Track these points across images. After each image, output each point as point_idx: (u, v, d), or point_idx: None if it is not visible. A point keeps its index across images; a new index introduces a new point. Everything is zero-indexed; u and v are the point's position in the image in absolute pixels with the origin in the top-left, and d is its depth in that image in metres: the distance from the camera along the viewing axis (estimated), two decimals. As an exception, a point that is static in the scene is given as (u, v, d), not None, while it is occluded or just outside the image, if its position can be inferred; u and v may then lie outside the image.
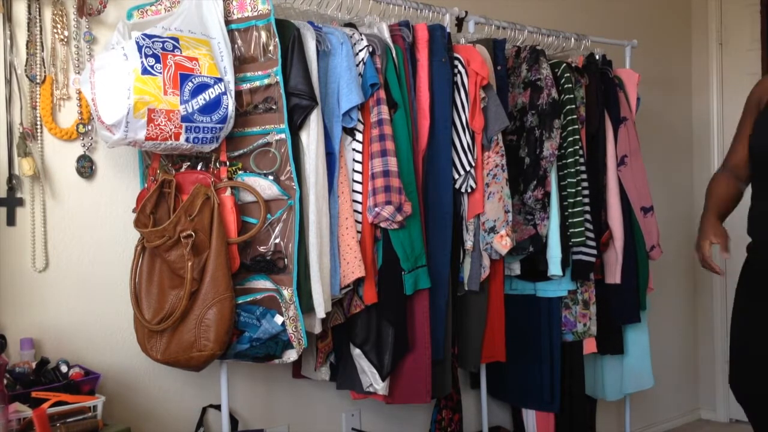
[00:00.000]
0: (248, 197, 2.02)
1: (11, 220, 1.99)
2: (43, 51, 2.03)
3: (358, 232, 2.18)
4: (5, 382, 1.76)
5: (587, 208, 2.70)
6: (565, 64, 2.70)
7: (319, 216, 2.03)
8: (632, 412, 3.36)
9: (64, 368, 1.90)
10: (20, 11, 2.01)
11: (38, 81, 2.02)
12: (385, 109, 2.19)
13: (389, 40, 2.28)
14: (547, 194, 2.58)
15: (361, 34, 2.21)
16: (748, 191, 2.41)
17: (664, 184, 3.82)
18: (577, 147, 2.66)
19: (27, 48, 2.01)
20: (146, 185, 2.07)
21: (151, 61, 1.80)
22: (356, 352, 2.27)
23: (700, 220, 2.42)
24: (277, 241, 2.02)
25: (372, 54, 2.19)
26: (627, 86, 3.00)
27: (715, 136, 4.04)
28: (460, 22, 2.64)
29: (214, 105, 1.87)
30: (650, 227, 2.98)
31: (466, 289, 2.48)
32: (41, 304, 2.04)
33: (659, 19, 3.92)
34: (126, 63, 1.78)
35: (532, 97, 2.62)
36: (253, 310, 2.02)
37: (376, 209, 2.16)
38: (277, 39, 1.99)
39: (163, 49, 1.83)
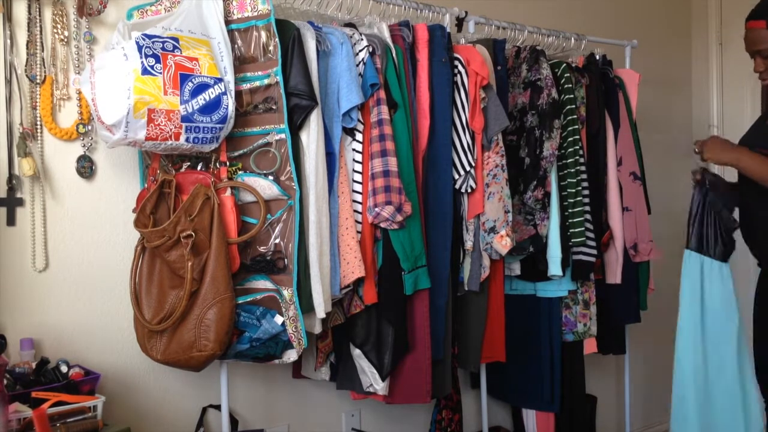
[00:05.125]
0: (248, 197, 2.02)
1: (11, 220, 1.99)
2: (43, 51, 2.03)
3: (358, 232, 2.18)
4: (5, 382, 1.76)
5: (587, 208, 2.70)
6: (565, 64, 2.70)
7: (319, 216, 2.03)
8: (632, 412, 3.36)
9: (64, 368, 1.90)
10: (20, 11, 2.01)
11: (38, 81, 2.02)
12: (385, 109, 2.19)
13: (389, 40, 2.28)
14: (547, 194, 2.58)
15: (361, 34, 2.21)
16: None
17: (663, 184, 3.82)
18: (578, 147, 2.66)
19: (27, 48, 2.01)
20: (146, 185, 2.07)
21: (151, 61, 1.80)
22: (356, 352, 2.27)
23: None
24: (277, 241, 2.02)
25: (372, 54, 2.19)
26: (628, 86, 3.00)
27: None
28: (460, 22, 2.64)
29: (214, 105, 1.87)
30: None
31: (466, 289, 2.48)
32: (41, 304, 2.04)
33: (659, 19, 3.92)
34: (126, 63, 1.78)
35: (532, 97, 2.61)
36: (253, 310, 2.02)
37: (376, 209, 2.16)
38: (277, 39, 1.99)
39: (163, 49, 1.83)
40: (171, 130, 1.82)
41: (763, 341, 2.37)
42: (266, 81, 2.01)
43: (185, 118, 1.83)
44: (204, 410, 2.31)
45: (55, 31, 2.05)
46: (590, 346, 2.86)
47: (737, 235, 2.39)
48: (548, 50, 2.81)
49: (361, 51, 2.18)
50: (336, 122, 2.13)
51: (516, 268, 2.69)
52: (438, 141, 2.37)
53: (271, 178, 2.01)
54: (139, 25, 1.97)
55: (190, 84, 1.84)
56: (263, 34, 2.02)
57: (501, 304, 2.59)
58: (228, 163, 2.02)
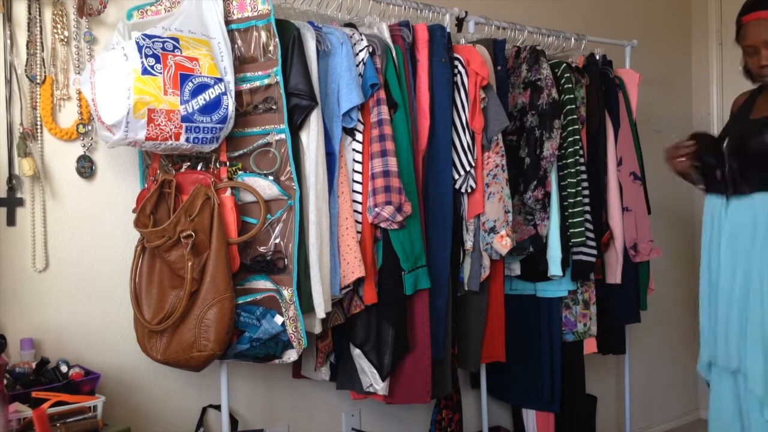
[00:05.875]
0: (248, 197, 2.02)
1: (11, 220, 1.99)
2: (43, 51, 2.03)
3: (358, 232, 2.18)
4: (5, 382, 1.76)
5: (587, 208, 2.70)
6: (565, 64, 2.70)
7: (319, 216, 2.03)
8: (632, 412, 3.36)
9: (64, 368, 1.90)
10: (20, 11, 2.01)
11: (38, 81, 2.02)
12: (385, 109, 2.19)
13: (389, 40, 2.28)
14: (547, 194, 2.58)
15: (361, 34, 2.21)
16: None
17: (664, 184, 3.82)
18: (578, 147, 2.66)
19: (27, 48, 2.01)
20: (146, 185, 2.07)
21: (152, 61, 1.80)
22: (356, 352, 2.27)
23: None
24: (277, 241, 2.02)
25: (372, 54, 2.19)
26: (628, 86, 3.00)
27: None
28: (460, 22, 2.64)
29: (214, 105, 1.87)
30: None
31: (466, 289, 2.48)
32: (41, 304, 2.04)
33: (659, 19, 3.92)
34: (126, 63, 1.78)
35: (532, 97, 2.61)
36: (253, 310, 2.02)
37: (376, 209, 2.16)
38: (277, 39, 1.99)
39: (163, 49, 1.83)
40: (171, 130, 1.82)
41: None
42: (266, 81, 2.01)
43: (185, 118, 1.83)
44: (204, 410, 2.31)
45: (55, 31, 2.05)
46: (590, 346, 2.86)
47: None
48: (548, 50, 2.81)
49: (361, 51, 2.18)
50: (336, 122, 2.13)
51: (516, 268, 2.69)
52: (438, 141, 2.37)
53: (271, 178, 2.01)
54: (139, 25, 1.97)
55: (190, 84, 1.84)
56: (263, 34, 2.02)
57: (501, 304, 2.59)
58: (228, 163, 2.02)
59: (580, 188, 2.67)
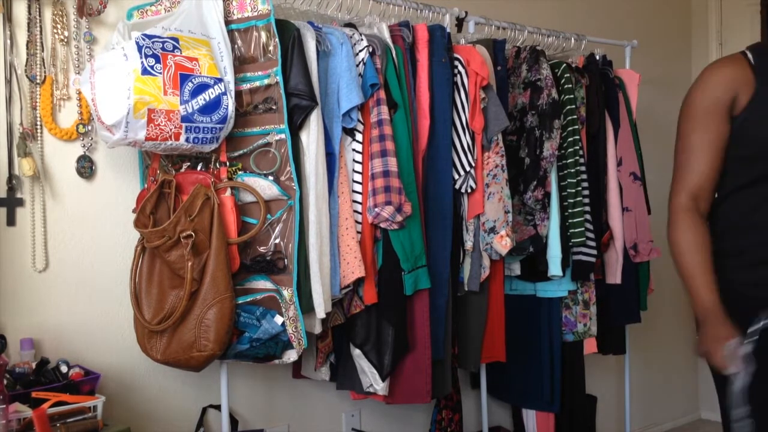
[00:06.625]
0: (248, 197, 2.02)
1: (11, 220, 2.00)
2: (43, 51, 2.03)
3: (358, 232, 2.18)
4: (5, 382, 1.76)
5: (587, 208, 2.70)
6: (565, 65, 2.70)
7: (319, 216, 2.03)
8: (632, 412, 3.36)
9: (64, 368, 1.90)
10: (20, 11, 2.01)
11: (38, 81, 2.02)
12: (385, 109, 2.19)
13: (389, 41, 2.28)
14: (547, 194, 2.58)
15: (361, 35, 2.21)
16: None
17: (664, 184, 3.81)
18: (578, 147, 2.66)
19: (27, 48, 2.01)
20: (146, 185, 2.07)
21: (151, 61, 1.80)
22: (356, 352, 2.27)
23: (696, 307, 1.79)
24: (277, 241, 2.02)
25: (372, 54, 2.19)
26: (628, 86, 3.00)
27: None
28: (460, 23, 2.64)
29: (214, 105, 1.87)
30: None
31: (466, 289, 2.48)
32: (41, 304, 2.04)
33: (659, 19, 3.92)
34: (126, 63, 1.78)
35: (532, 97, 2.61)
36: (253, 310, 2.02)
37: (376, 209, 2.16)
38: (277, 39, 1.99)
39: (163, 49, 1.83)
40: (171, 130, 1.82)
41: None
42: (266, 81, 2.01)
43: (185, 118, 1.83)
44: (204, 410, 2.31)
45: (55, 31, 2.05)
46: (590, 346, 2.86)
47: None
48: (548, 50, 2.81)
49: (361, 51, 2.18)
50: (336, 122, 2.13)
51: (516, 269, 2.69)
52: (438, 141, 2.37)
53: (271, 178, 2.01)
54: (139, 25, 1.97)
55: (190, 84, 1.84)
56: (263, 34, 2.02)
57: (501, 304, 2.59)
58: (228, 163, 2.02)
59: (580, 188, 2.67)
